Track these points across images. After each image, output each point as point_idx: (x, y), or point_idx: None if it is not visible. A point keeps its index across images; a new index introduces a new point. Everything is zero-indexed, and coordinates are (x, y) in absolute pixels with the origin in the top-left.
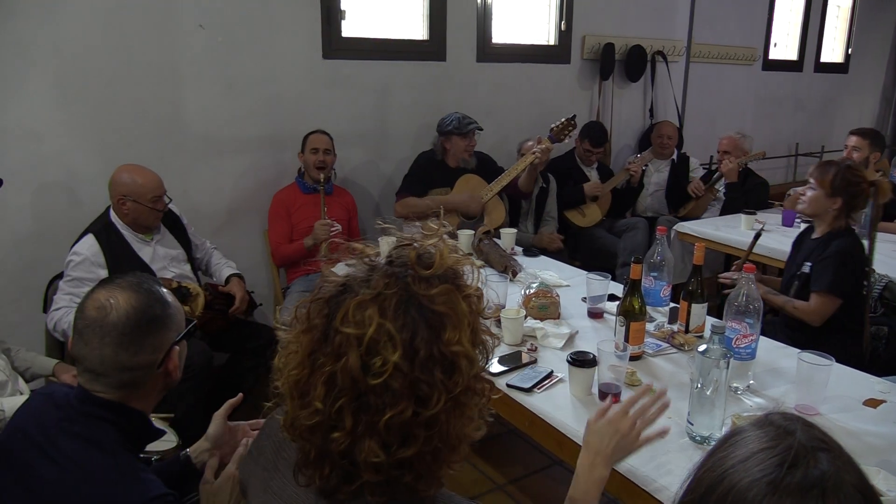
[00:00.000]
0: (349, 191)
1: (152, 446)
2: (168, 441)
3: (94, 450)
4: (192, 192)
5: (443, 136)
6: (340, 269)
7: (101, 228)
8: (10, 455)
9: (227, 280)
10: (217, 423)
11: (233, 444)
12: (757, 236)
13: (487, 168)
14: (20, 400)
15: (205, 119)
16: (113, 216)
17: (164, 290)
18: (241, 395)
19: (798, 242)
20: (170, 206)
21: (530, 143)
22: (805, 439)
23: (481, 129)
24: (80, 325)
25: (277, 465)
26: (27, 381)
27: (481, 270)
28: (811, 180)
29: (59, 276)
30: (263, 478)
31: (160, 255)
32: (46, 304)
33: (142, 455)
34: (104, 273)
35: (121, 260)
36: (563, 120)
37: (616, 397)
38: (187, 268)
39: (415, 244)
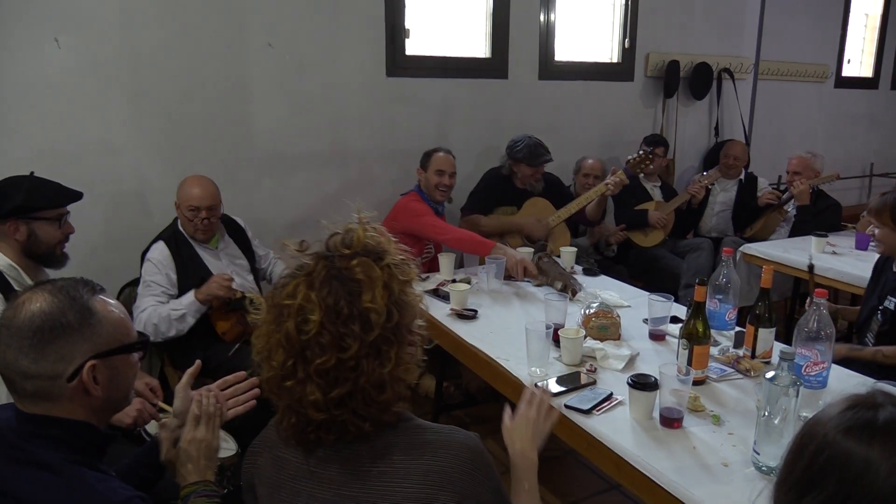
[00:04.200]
0: None
1: None
2: (227, 449)
3: (43, 473)
4: (256, 204)
5: (511, 159)
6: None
7: (171, 236)
8: None
9: None
10: (180, 396)
11: None
12: (811, 269)
13: (555, 190)
14: None
15: (272, 134)
16: (180, 225)
17: (104, 300)
18: (198, 363)
19: (878, 270)
20: (235, 217)
21: (591, 162)
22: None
23: (551, 160)
24: None
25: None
26: None
27: (395, 241)
28: (872, 220)
29: (131, 282)
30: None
31: (224, 264)
32: None
33: None
34: (175, 277)
35: (188, 266)
36: (640, 153)
37: (678, 423)
38: (250, 278)
39: (339, 231)
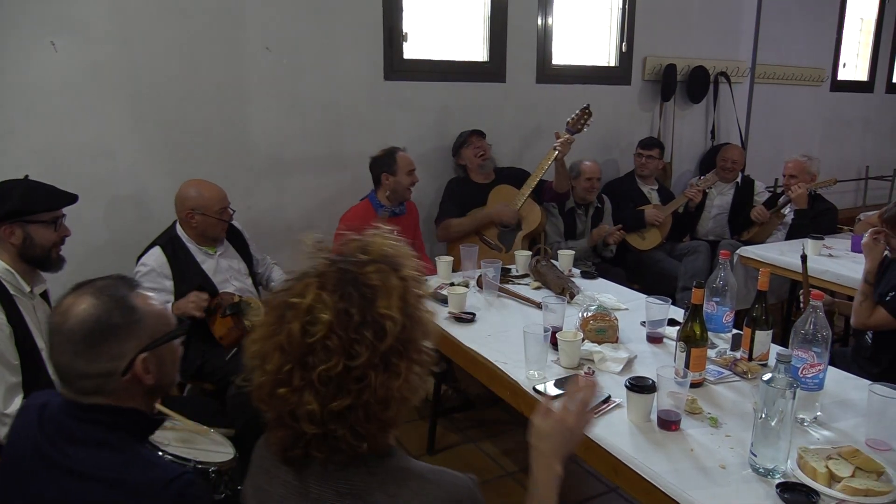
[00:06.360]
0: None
1: (209, 458)
2: (226, 454)
3: (103, 451)
4: (254, 208)
5: (455, 156)
6: None
7: (168, 241)
8: (25, 472)
9: None
10: None
11: None
12: (804, 259)
13: (520, 177)
14: None
15: (269, 138)
16: (179, 230)
17: (143, 294)
18: None
19: (885, 267)
20: (233, 221)
21: (589, 164)
22: None
23: (482, 133)
24: (48, 328)
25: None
26: None
27: (418, 260)
28: (886, 230)
29: None
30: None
31: (223, 268)
32: None
33: (199, 466)
34: (169, 284)
35: (185, 272)
36: (577, 111)
37: (675, 425)
38: (249, 282)
39: (357, 238)
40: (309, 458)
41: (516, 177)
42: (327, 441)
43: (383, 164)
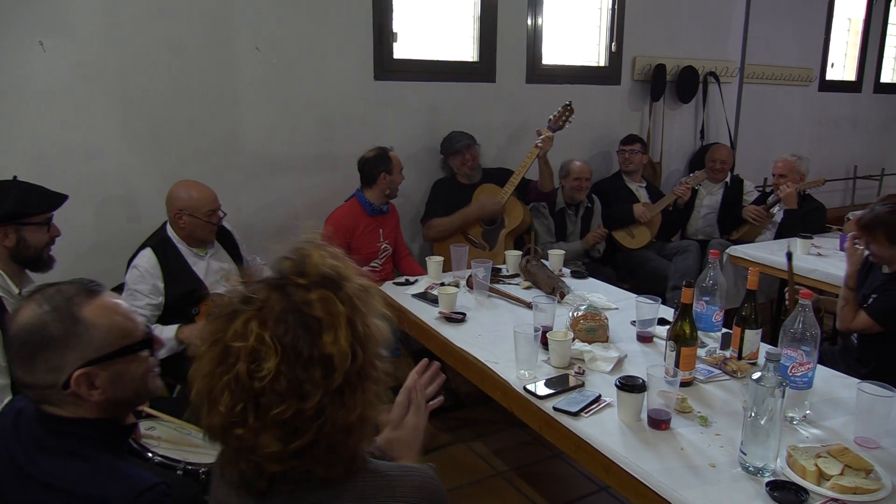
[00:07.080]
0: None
1: (199, 458)
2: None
3: (73, 461)
4: (244, 209)
5: (443, 156)
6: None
7: (159, 242)
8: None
9: None
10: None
11: None
12: (789, 257)
13: (506, 178)
14: None
15: (259, 138)
16: (169, 231)
17: (103, 303)
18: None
19: (867, 268)
20: (223, 222)
21: (578, 165)
22: None
23: (475, 143)
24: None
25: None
26: None
27: (361, 268)
28: (863, 236)
29: (117, 287)
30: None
31: (213, 270)
32: None
33: (189, 467)
34: (161, 285)
35: (176, 273)
36: (559, 108)
37: (665, 424)
38: None
39: (291, 255)
40: (273, 490)
41: (503, 177)
42: (294, 474)
43: (380, 163)
